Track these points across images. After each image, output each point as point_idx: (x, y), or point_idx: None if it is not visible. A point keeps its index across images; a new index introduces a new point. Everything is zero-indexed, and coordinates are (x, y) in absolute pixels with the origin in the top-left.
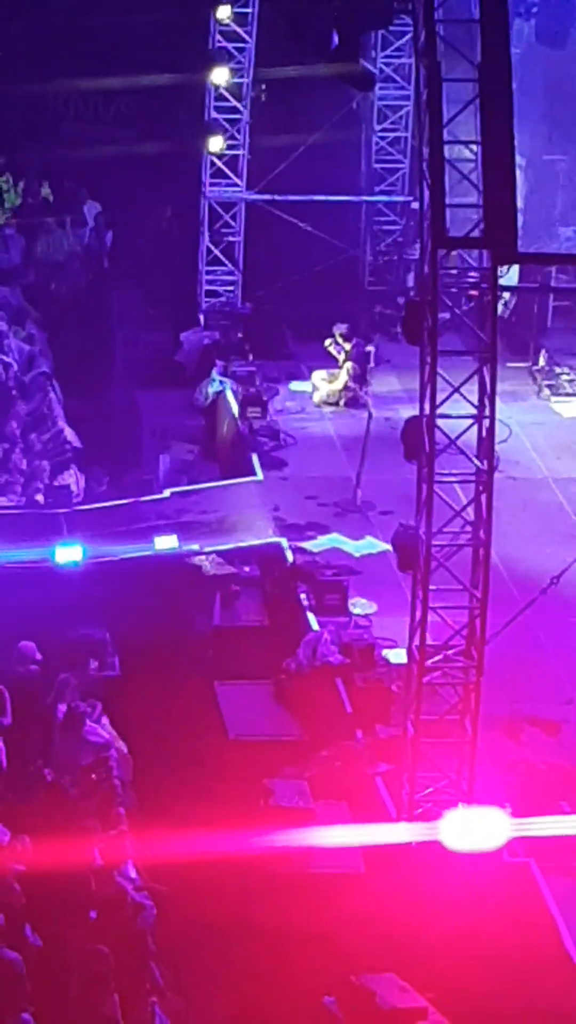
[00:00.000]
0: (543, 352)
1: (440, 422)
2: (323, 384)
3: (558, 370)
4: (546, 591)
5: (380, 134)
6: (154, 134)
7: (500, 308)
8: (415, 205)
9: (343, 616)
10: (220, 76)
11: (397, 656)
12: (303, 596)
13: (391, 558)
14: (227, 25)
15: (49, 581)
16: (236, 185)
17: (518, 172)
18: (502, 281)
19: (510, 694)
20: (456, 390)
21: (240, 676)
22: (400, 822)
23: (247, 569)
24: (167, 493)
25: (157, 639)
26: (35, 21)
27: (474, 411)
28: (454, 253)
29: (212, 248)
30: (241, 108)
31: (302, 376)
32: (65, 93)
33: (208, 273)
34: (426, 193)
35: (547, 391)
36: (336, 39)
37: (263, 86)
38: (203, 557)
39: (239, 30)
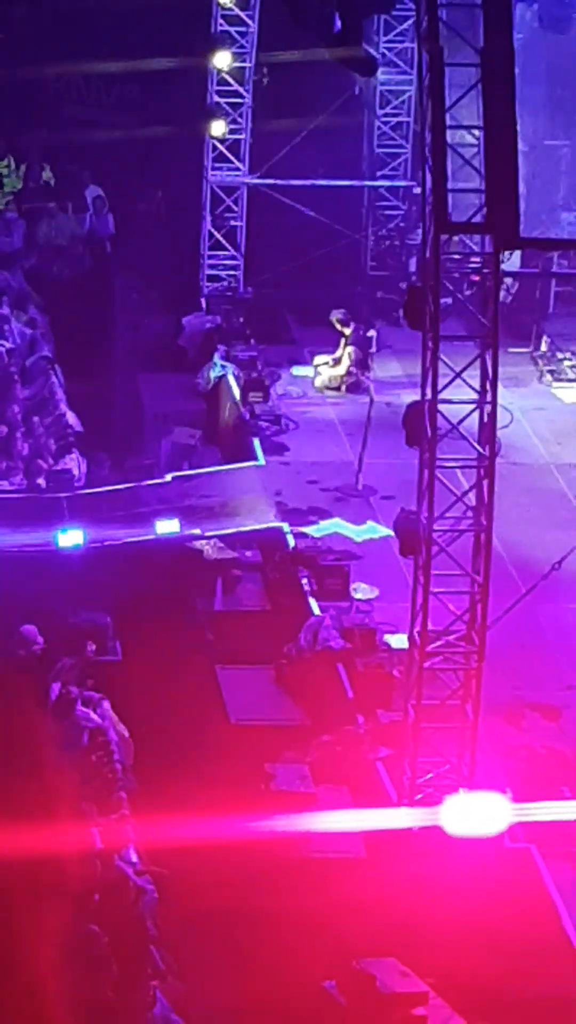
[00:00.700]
0: (545, 337)
1: (442, 407)
2: (325, 369)
3: (560, 355)
4: (547, 576)
5: (382, 119)
6: (156, 118)
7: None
8: (417, 190)
9: (344, 601)
10: (222, 60)
11: (398, 641)
12: (304, 581)
13: (392, 543)
14: (229, 9)
15: (51, 565)
16: (238, 169)
17: (520, 157)
18: (504, 266)
19: (511, 679)
20: (458, 375)
21: (241, 661)
22: (401, 807)
23: (248, 554)
24: (169, 477)
25: (158, 623)
26: (36, 4)
27: (476, 396)
28: (456, 238)
29: (214, 232)
30: (243, 92)
31: (304, 361)
32: (67, 77)
33: (210, 258)
34: (428, 178)
35: (549, 376)
36: (338, 23)
37: (265, 70)
38: (204, 542)
39: (241, 14)
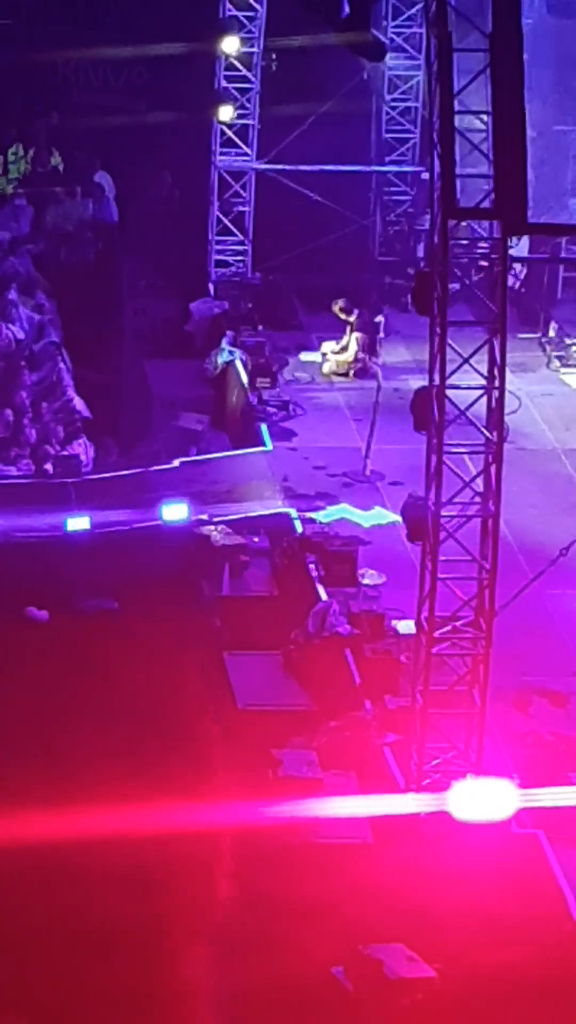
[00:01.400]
0: (553, 323)
1: (450, 393)
2: (332, 355)
3: (568, 341)
4: (555, 562)
5: (391, 104)
6: (164, 103)
7: (510, 279)
8: (425, 175)
9: (352, 587)
10: (230, 45)
11: (406, 627)
12: (312, 566)
13: (400, 529)
14: None
15: (59, 551)
16: (246, 155)
17: (528, 143)
18: (512, 252)
19: (519, 665)
20: (466, 361)
21: (249, 646)
22: (408, 793)
23: (256, 539)
24: (176, 463)
25: (166, 609)
26: None
27: (484, 382)
28: (464, 224)
29: (222, 218)
30: (251, 77)
31: (312, 346)
32: (75, 62)
33: (218, 243)
34: (436, 163)
35: (557, 362)
36: (347, 8)
37: (273, 55)
38: (212, 527)
39: None
